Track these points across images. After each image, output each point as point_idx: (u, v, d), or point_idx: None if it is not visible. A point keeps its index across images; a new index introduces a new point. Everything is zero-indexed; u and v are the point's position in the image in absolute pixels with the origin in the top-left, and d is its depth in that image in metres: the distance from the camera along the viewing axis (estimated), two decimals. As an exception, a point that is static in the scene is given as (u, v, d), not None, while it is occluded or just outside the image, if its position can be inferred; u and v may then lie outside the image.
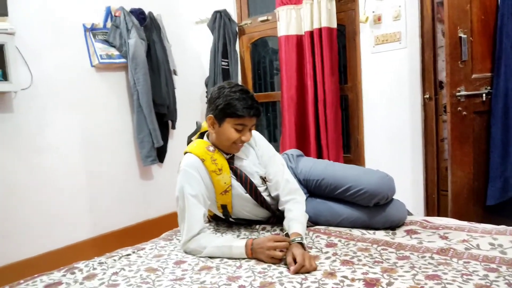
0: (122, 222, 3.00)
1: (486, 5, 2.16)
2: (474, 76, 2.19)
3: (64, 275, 1.39)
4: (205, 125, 1.80)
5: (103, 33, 2.91)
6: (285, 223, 1.59)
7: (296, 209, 1.63)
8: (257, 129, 1.85)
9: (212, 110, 1.61)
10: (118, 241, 2.03)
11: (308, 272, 1.30)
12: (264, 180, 1.72)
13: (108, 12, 2.94)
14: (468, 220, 1.71)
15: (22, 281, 1.35)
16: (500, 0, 2.13)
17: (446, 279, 1.18)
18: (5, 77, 2.32)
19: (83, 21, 2.82)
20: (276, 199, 1.72)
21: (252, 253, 1.46)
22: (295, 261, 1.33)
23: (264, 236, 1.63)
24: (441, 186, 2.59)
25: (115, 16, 2.94)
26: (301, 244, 1.43)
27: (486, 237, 1.47)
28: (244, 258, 1.48)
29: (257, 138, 1.79)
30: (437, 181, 2.58)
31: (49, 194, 2.61)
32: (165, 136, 3.20)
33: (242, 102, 1.55)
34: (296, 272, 1.30)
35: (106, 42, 2.91)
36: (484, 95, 2.18)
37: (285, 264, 1.39)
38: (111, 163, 2.96)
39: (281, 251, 1.42)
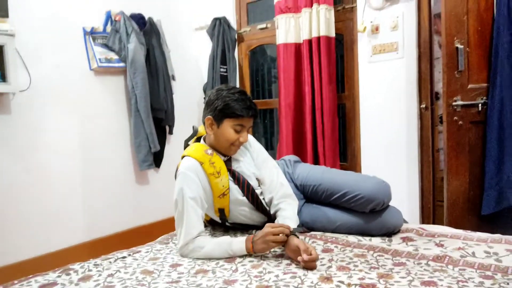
0: (117, 227, 2.99)
1: (483, 16, 2.20)
2: (470, 86, 2.22)
3: (59, 276, 1.38)
4: (201, 130, 1.81)
5: (102, 37, 2.92)
6: (278, 220, 1.62)
7: (290, 209, 1.65)
8: (254, 137, 1.88)
9: (210, 111, 1.63)
10: (113, 246, 2.02)
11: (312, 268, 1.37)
12: (259, 182, 1.73)
13: (108, 16, 2.96)
14: (463, 229, 1.72)
15: (16, 282, 1.34)
16: (496, 12, 2.17)
17: (442, 285, 1.19)
18: (3, 78, 2.32)
19: (83, 25, 2.83)
20: (270, 203, 1.73)
21: (253, 246, 1.49)
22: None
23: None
24: (437, 197, 2.60)
25: (115, 20, 2.95)
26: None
27: (481, 245, 1.48)
28: (242, 256, 1.50)
29: (251, 140, 1.82)
30: (433, 191, 2.59)
31: (45, 197, 2.60)
32: (162, 141, 3.20)
33: (240, 103, 1.59)
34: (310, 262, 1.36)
35: (106, 46, 2.92)
36: (480, 105, 2.20)
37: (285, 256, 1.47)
38: (107, 166, 2.95)
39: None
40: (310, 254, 1.36)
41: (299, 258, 1.36)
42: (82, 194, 2.81)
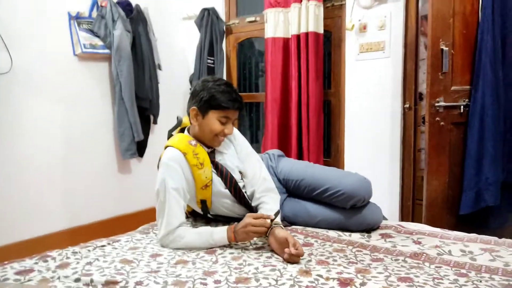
0: (98, 215, 2.95)
1: (468, 20, 2.23)
2: (453, 88, 2.25)
3: (36, 263, 1.36)
4: (186, 121, 1.80)
5: (88, 22, 2.86)
6: (261, 212, 1.61)
7: (272, 203, 1.66)
8: (239, 130, 1.88)
9: (196, 102, 1.63)
10: (94, 234, 2.00)
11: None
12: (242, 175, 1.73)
13: (95, 1, 2.90)
14: (441, 228, 1.76)
15: (-9, 267, 1.31)
16: (481, 16, 2.20)
17: (418, 281, 1.21)
18: (-17, 60, 2.26)
19: (68, 9, 2.77)
20: (251, 196, 1.73)
21: (235, 236, 1.49)
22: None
23: None
24: (416, 195, 2.64)
25: (101, 6, 2.89)
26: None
27: (458, 244, 1.51)
28: (222, 248, 1.51)
29: (236, 133, 1.82)
30: (413, 190, 2.63)
31: (23, 183, 2.55)
32: (146, 131, 3.16)
33: (226, 95, 1.59)
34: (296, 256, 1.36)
35: (91, 31, 2.87)
36: (462, 107, 2.24)
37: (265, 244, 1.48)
38: (89, 154, 2.91)
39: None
40: (297, 249, 1.37)
41: (286, 250, 1.36)
42: (63, 181, 2.76)
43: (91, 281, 1.23)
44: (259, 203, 1.67)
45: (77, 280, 1.25)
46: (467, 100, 2.25)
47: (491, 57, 2.15)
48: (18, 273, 1.29)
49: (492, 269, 1.29)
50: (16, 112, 2.51)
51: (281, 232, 1.46)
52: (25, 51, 2.53)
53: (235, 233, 1.49)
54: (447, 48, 2.21)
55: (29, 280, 1.24)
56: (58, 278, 1.26)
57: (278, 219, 1.56)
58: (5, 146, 2.46)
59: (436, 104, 2.24)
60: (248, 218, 1.48)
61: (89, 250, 1.50)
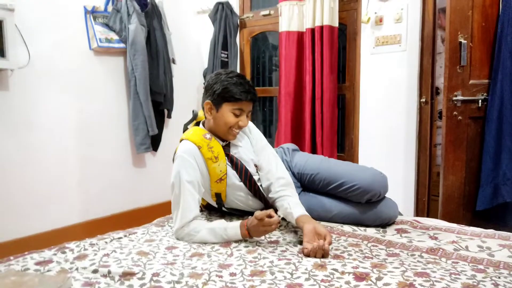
0: (112, 209, 2.99)
1: (488, 12, 2.19)
2: (471, 82, 2.22)
3: (54, 254, 1.38)
4: (201, 114, 1.81)
5: (103, 17, 2.89)
6: (286, 205, 1.59)
7: (294, 195, 1.65)
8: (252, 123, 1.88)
9: (209, 96, 1.63)
10: (109, 227, 2.02)
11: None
12: (257, 168, 1.73)
13: (110, -5, 2.92)
14: (457, 223, 1.74)
15: (12, 258, 1.34)
16: (501, 8, 2.16)
17: (434, 277, 1.20)
18: (2, 54, 2.29)
19: (84, 3, 2.79)
20: (268, 190, 1.72)
21: (249, 233, 1.49)
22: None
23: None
24: (432, 191, 2.61)
25: (117, 0, 2.91)
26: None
27: (475, 240, 1.49)
28: (237, 242, 1.51)
29: (251, 126, 1.82)
30: (428, 186, 2.60)
31: (39, 175, 2.59)
32: (160, 125, 3.19)
33: (239, 87, 1.59)
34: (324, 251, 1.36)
35: (106, 25, 2.89)
36: (480, 101, 2.20)
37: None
38: (104, 148, 2.94)
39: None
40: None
41: (320, 242, 1.37)
42: (77, 175, 2.80)
43: (109, 272, 1.24)
44: (279, 197, 1.65)
45: (95, 271, 1.26)
46: (485, 94, 2.21)
47: (511, 50, 2.10)
48: (38, 263, 1.31)
49: (511, 265, 1.27)
50: (33, 106, 2.55)
51: (322, 227, 1.46)
52: (42, 45, 2.56)
53: (249, 231, 1.50)
54: (465, 41, 2.17)
55: (48, 271, 1.27)
56: (76, 269, 1.28)
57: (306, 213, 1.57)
58: (21, 140, 2.50)
59: (454, 98, 2.21)
60: (255, 220, 1.45)
61: (106, 242, 1.52)
